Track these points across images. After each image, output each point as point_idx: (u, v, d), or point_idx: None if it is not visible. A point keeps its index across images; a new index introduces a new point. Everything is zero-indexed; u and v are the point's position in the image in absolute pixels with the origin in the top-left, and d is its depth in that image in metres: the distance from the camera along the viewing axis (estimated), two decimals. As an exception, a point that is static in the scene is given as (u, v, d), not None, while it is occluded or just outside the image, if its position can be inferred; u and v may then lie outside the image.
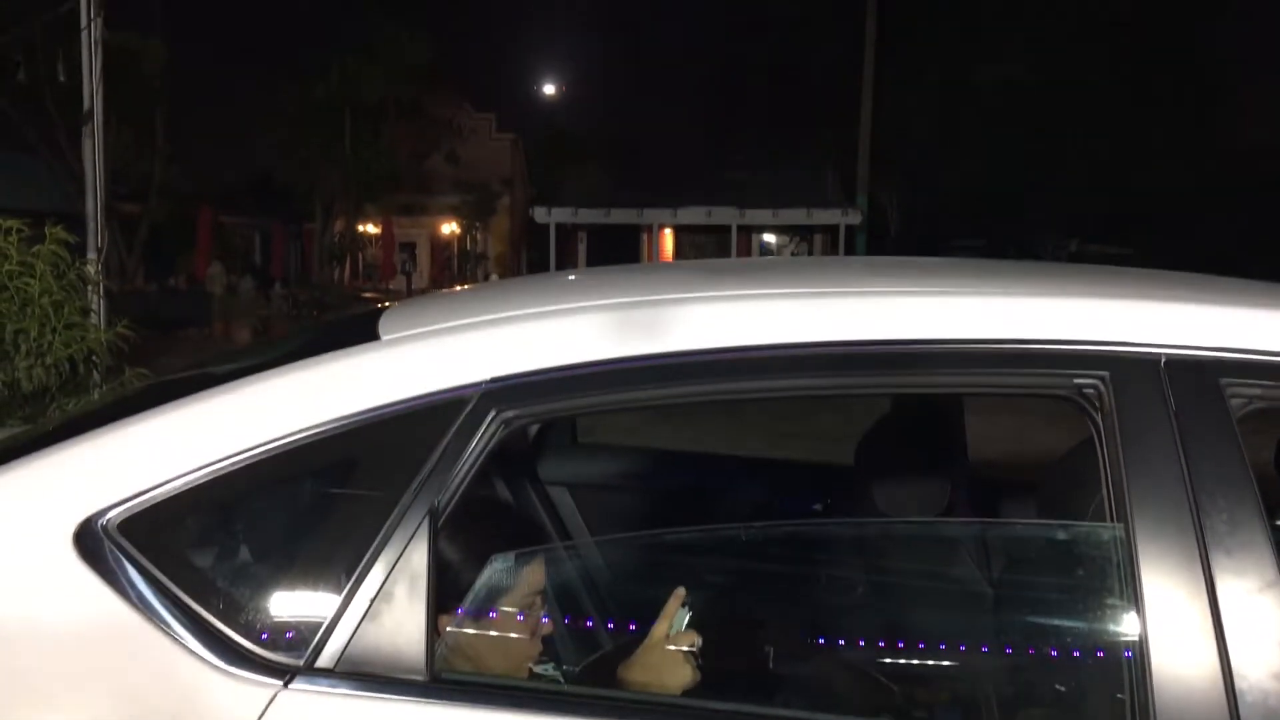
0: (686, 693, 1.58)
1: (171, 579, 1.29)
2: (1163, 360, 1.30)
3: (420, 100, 28.31)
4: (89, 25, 7.44)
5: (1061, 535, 1.58)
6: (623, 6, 70.15)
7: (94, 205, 7.40)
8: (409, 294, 26.76)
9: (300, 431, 1.35)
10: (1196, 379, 1.29)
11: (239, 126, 29.01)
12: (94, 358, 4.71)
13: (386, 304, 1.87)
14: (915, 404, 2.46)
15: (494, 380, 1.36)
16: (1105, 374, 1.30)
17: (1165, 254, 21.52)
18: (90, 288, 5.37)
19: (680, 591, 1.63)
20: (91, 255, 6.98)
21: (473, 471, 1.32)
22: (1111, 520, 1.27)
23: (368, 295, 24.97)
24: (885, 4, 25.60)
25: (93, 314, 5.29)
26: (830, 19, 29.28)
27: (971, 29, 28.19)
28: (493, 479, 2.34)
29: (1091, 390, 1.30)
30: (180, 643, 1.26)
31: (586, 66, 67.84)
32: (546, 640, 1.71)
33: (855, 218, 25.25)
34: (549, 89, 42.67)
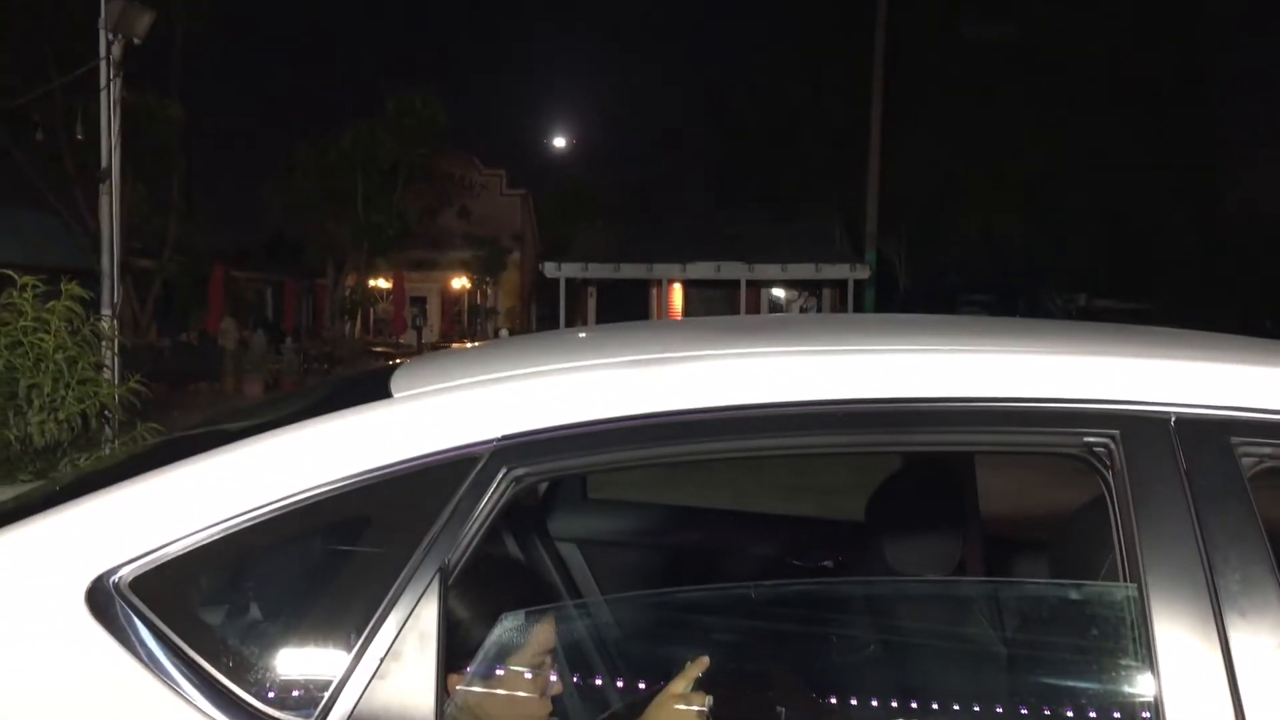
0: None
1: (182, 637, 1.29)
2: (1173, 419, 1.30)
3: (432, 159, 28.65)
4: (108, 85, 7.58)
5: (1075, 595, 1.57)
6: (632, 65, 71.16)
7: (109, 262, 7.49)
8: (419, 348, 26.87)
9: (311, 489, 1.35)
10: (1207, 438, 1.28)
11: (253, 184, 29.37)
12: (106, 413, 4.73)
13: (399, 360, 1.88)
14: (926, 459, 2.46)
15: (505, 438, 1.36)
16: (1115, 433, 1.30)
17: (1175, 310, 21.63)
18: (104, 343, 5.40)
19: (704, 660, 1.60)
20: (106, 311, 7.05)
21: (483, 529, 1.33)
22: (1124, 580, 1.27)
23: (378, 349, 25.07)
24: (891, 62, 25.97)
25: (106, 369, 5.32)
26: (838, 76, 29.65)
27: (980, 86, 28.49)
28: (503, 536, 2.33)
29: (1102, 449, 1.30)
30: (190, 701, 1.25)
31: (596, 123, 68.69)
32: (556, 700, 1.69)
33: (864, 272, 25.35)
34: (559, 145, 43.16)
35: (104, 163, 7.76)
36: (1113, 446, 1.29)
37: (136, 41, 8.29)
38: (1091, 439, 1.31)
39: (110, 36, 8.21)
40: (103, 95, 7.83)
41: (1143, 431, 1.29)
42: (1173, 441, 1.28)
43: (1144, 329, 1.85)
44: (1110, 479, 1.29)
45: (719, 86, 38.54)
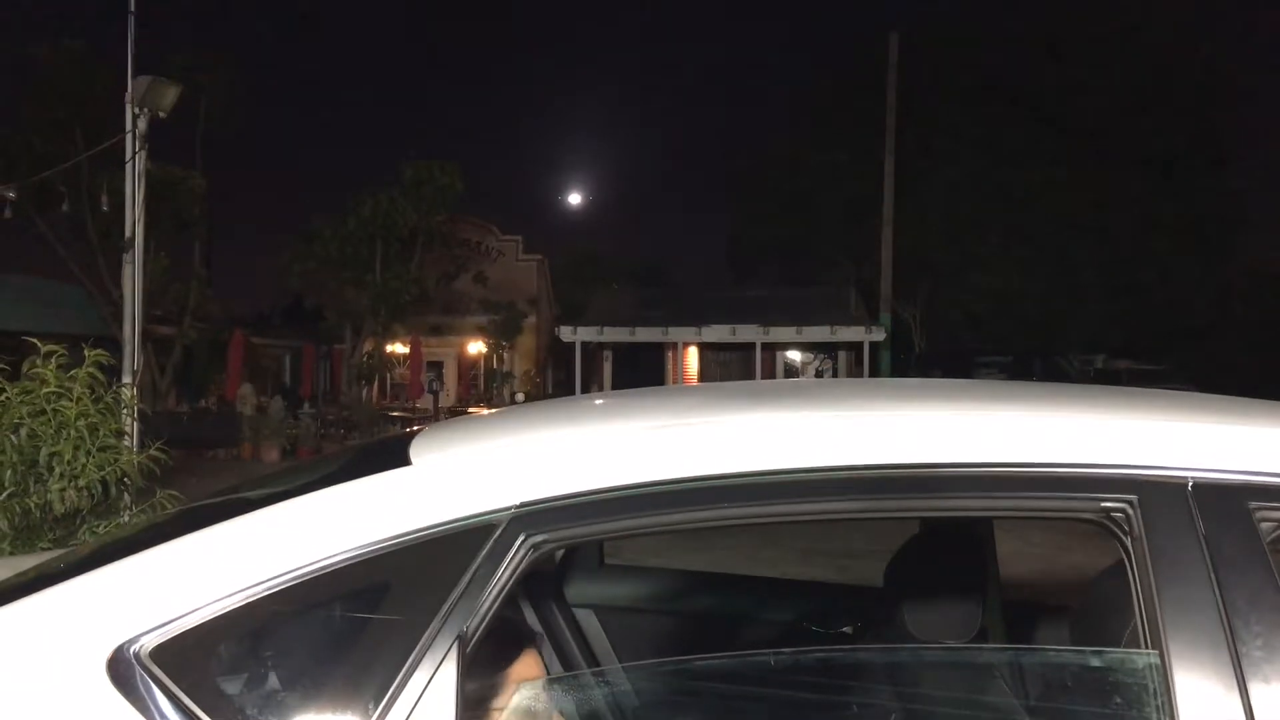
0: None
1: (201, 707, 1.29)
2: (1190, 484, 1.30)
3: (450, 226, 28.98)
4: (133, 158, 7.74)
5: (1097, 662, 1.55)
6: (648, 133, 72.12)
7: (131, 329, 7.58)
8: (436, 412, 26.90)
9: (330, 557, 1.36)
10: (1225, 503, 1.28)
11: (273, 251, 29.77)
12: (126, 480, 4.75)
13: (418, 427, 1.89)
14: (945, 523, 2.44)
15: (522, 505, 1.37)
16: (1133, 497, 1.30)
17: (1192, 371, 21.50)
18: (125, 410, 5.45)
19: None
20: (127, 378, 7.11)
21: (501, 597, 1.33)
22: (1146, 646, 1.26)
23: (395, 414, 25.11)
24: (904, 126, 26.28)
25: (126, 436, 5.36)
26: (851, 141, 29.98)
27: (993, 148, 28.75)
28: (520, 602, 2.32)
29: (1120, 514, 1.30)
30: (208, 772, 1.25)
31: (612, 190, 69.49)
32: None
33: (879, 335, 25.37)
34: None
35: (128, 233, 7.90)
36: (1131, 511, 1.29)
37: (162, 115, 8.48)
38: (1109, 504, 1.31)
39: (136, 111, 8.41)
40: (128, 167, 8.00)
41: (1160, 496, 1.29)
42: (1191, 506, 1.28)
43: (1160, 392, 1.85)
44: (1129, 544, 1.29)
45: (734, 153, 39.01)
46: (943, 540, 2.44)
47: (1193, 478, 1.30)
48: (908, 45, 26.71)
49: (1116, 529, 1.31)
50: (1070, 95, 28.97)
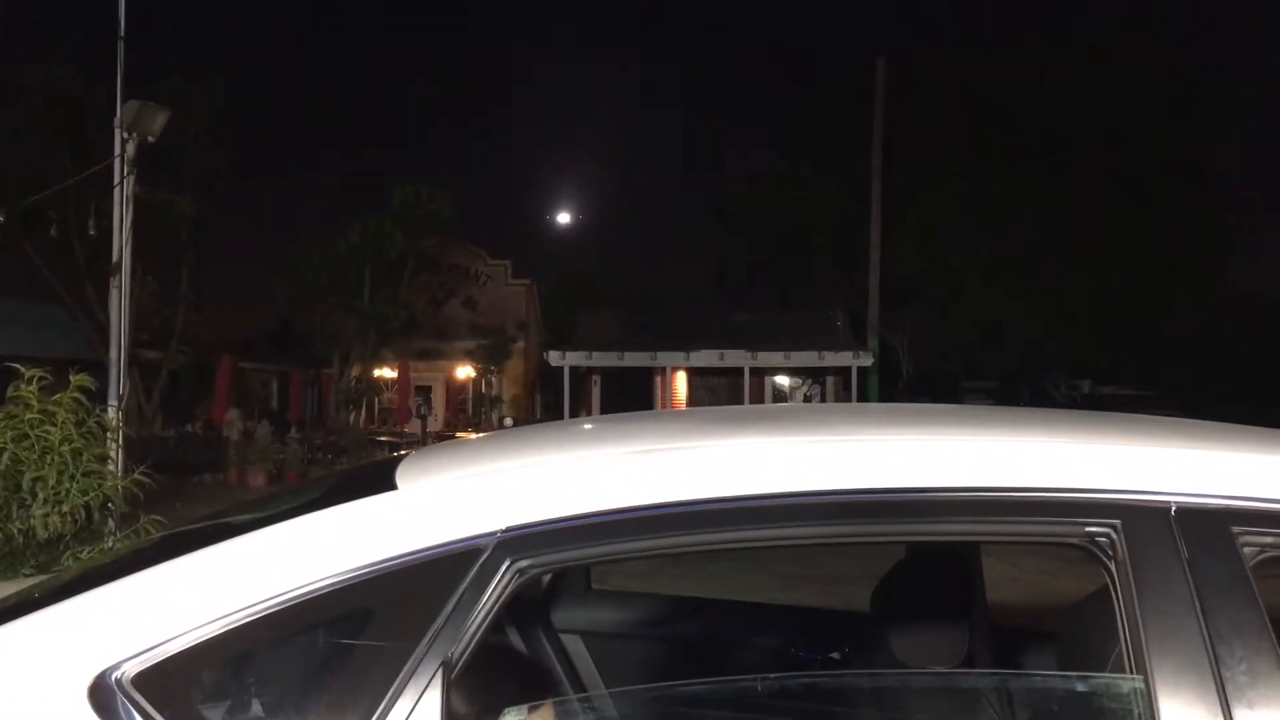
0: None
1: (182, 734, 1.28)
2: (1173, 509, 1.30)
3: (439, 251, 29.01)
4: (121, 182, 7.73)
5: (1082, 687, 1.55)
6: (637, 158, 72.48)
7: (117, 353, 7.55)
8: (424, 437, 26.80)
9: (315, 582, 1.35)
10: (1208, 528, 1.29)
11: (261, 275, 29.73)
12: (110, 505, 4.72)
13: (404, 452, 1.89)
14: (932, 548, 2.45)
15: (508, 530, 1.37)
16: (1117, 522, 1.30)
17: (1179, 397, 21.61)
18: (109, 435, 5.42)
19: None
20: (112, 402, 7.08)
21: (486, 622, 1.32)
22: (1131, 671, 1.26)
23: (383, 439, 25.00)
24: (891, 152, 26.46)
25: (110, 461, 5.33)
26: (839, 167, 30.17)
27: (979, 175, 28.96)
28: (506, 628, 2.31)
29: (1104, 539, 1.31)
30: (189, 800, 1.24)
31: (601, 214, 69.69)
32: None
33: (867, 360, 25.43)
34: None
35: (115, 257, 7.88)
36: (1114, 536, 1.30)
37: (151, 140, 8.48)
38: (1093, 529, 1.31)
39: (125, 135, 8.41)
40: (116, 191, 7.99)
41: (1144, 521, 1.30)
42: (1174, 531, 1.29)
43: (1144, 418, 1.86)
44: (1113, 569, 1.29)
45: (722, 179, 39.26)
46: (929, 565, 2.44)
47: (1176, 502, 1.31)
48: (895, 71, 26.93)
49: (1101, 554, 1.31)
50: (1055, 121, 29.23)
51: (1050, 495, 1.34)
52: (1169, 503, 1.31)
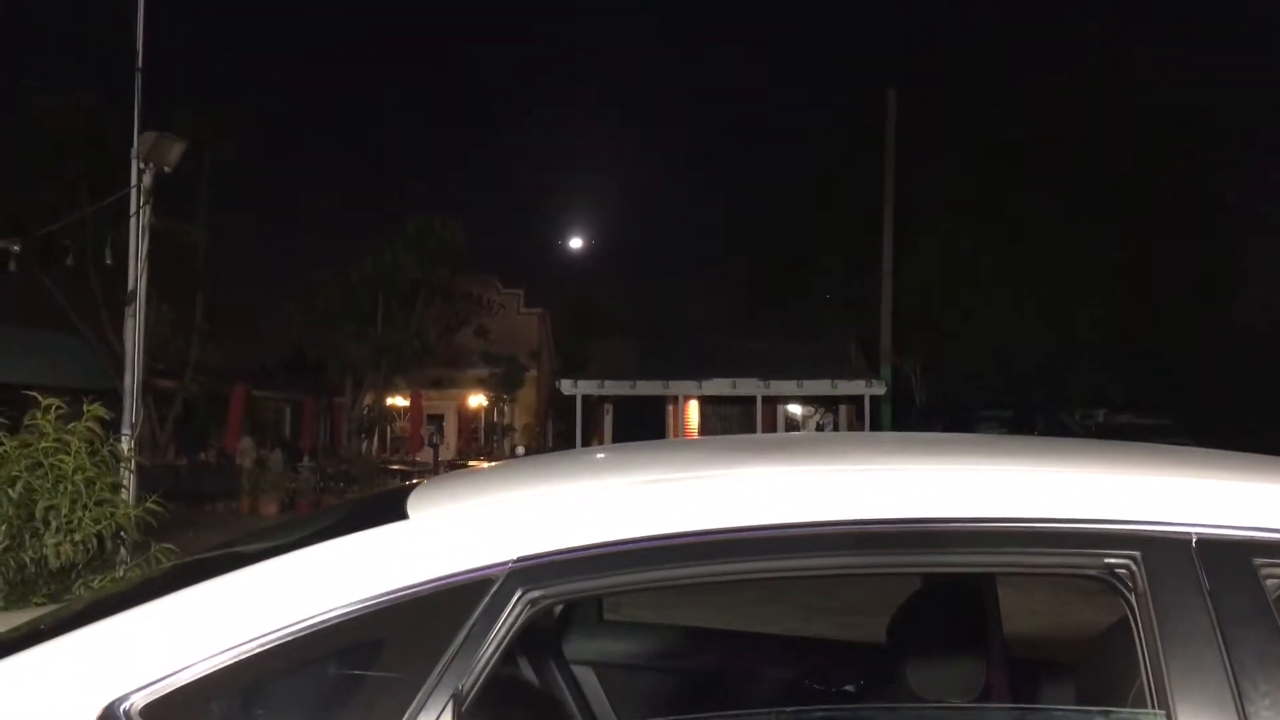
0: None
1: (190, 767, 1.27)
2: (1194, 540, 1.28)
3: (451, 280, 29.13)
4: (138, 212, 7.80)
5: None
6: (649, 187, 72.82)
7: (132, 382, 7.58)
8: (436, 465, 26.81)
9: (325, 613, 1.34)
10: (1230, 559, 1.27)
11: (274, 305, 29.89)
12: (122, 534, 4.72)
13: (416, 481, 1.88)
14: (948, 579, 2.42)
15: (520, 560, 1.35)
16: (1137, 554, 1.28)
17: (1194, 425, 21.46)
18: (122, 463, 5.43)
19: None
20: (126, 431, 7.10)
21: (498, 654, 1.31)
22: (1152, 706, 1.24)
23: (394, 467, 25.01)
24: (903, 181, 26.53)
25: (123, 489, 5.34)
26: (851, 196, 30.23)
27: (992, 203, 28.97)
28: (516, 659, 2.29)
29: (1124, 570, 1.29)
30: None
31: (614, 243, 69.97)
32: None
33: (880, 388, 25.37)
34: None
35: (130, 286, 7.94)
36: (1134, 568, 1.28)
37: (167, 170, 8.56)
38: (1113, 560, 1.29)
39: (142, 166, 8.49)
40: (132, 221, 8.06)
41: (1164, 553, 1.28)
42: (1195, 563, 1.27)
43: (1163, 447, 1.84)
44: (1134, 601, 1.27)
45: (735, 207, 39.42)
46: (945, 596, 2.42)
47: (1196, 534, 1.29)
48: (907, 102, 27.04)
49: (1121, 586, 1.29)
50: (1066, 151, 29.26)
51: (1069, 526, 1.32)
52: (1189, 534, 1.29)
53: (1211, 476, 1.41)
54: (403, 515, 1.49)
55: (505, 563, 1.35)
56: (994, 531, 1.34)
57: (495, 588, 1.33)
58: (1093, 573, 1.32)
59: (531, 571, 1.35)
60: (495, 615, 1.32)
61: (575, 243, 44.55)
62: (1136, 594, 1.27)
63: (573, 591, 1.45)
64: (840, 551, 1.37)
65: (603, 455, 2.13)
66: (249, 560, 1.49)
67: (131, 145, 8.72)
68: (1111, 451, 1.77)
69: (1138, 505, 1.33)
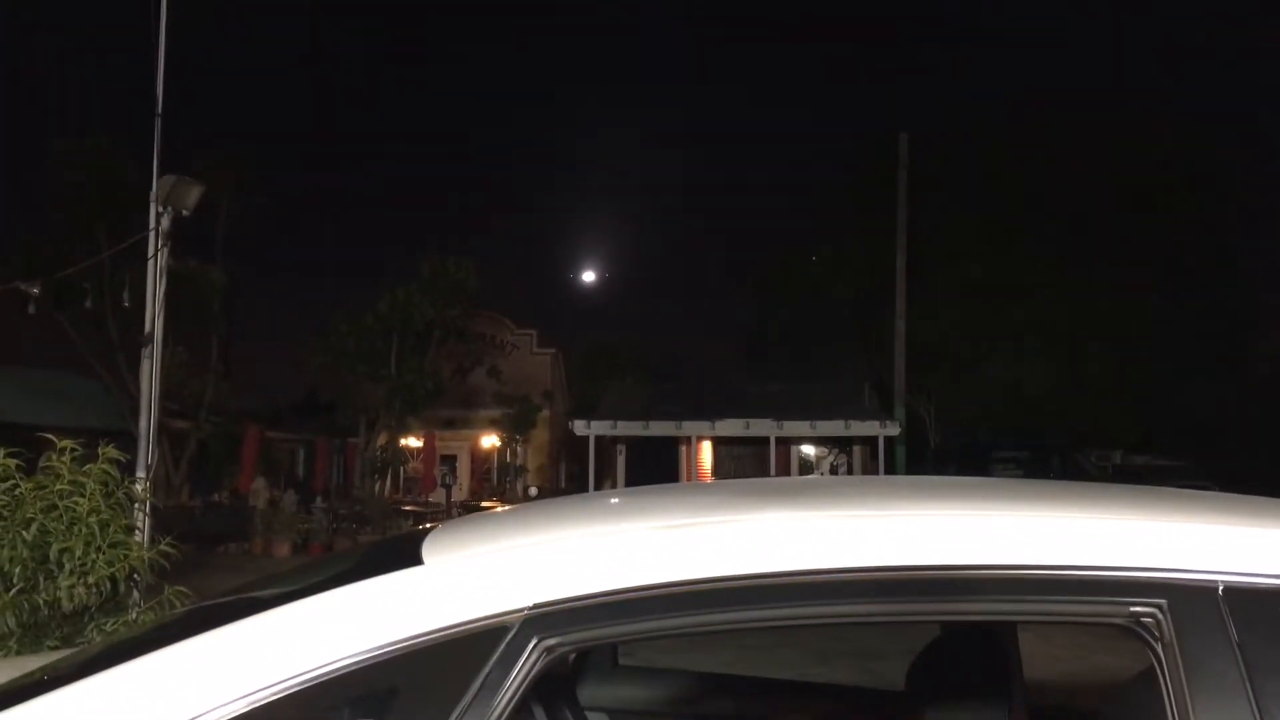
0: None
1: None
2: (1220, 588, 1.26)
3: (465, 320, 29.24)
4: (156, 255, 7.86)
5: None
6: (661, 228, 73.18)
7: (147, 423, 7.60)
8: (449, 506, 26.75)
9: (339, 660, 1.33)
10: (1258, 608, 1.25)
11: (289, 346, 30.05)
12: (135, 576, 4.71)
13: (430, 525, 1.87)
14: (968, 623, 2.39)
15: (536, 606, 1.34)
16: (1163, 602, 1.26)
17: (1212, 467, 21.25)
18: (137, 505, 5.43)
19: None
20: (140, 473, 7.11)
21: (513, 703, 1.29)
22: None
23: (407, 508, 24.98)
24: (916, 221, 26.58)
25: (137, 531, 5.33)
26: (864, 236, 30.31)
27: (1006, 243, 28.98)
28: (531, 706, 2.27)
29: (1150, 619, 1.26)
30: None
31: (626, 283, 70.20)
32: None
33: (894, 429, 25.26)
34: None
35: (147, 328, 7.98)
36: (1160, 617, 1.26)
37: (185, 213, 8.65)
38: (1139, 609, 1.27)
39: (160, 209, 8.58)
40: (150, 264, 8.13)
41: (1190, 601, 1.26)
42: (1222, 611, 1.25)
43: (1186, 492, 1.82)
44: (1160, 651, 1.25)
45: (747, 248, 39.53)
46: (966, 642, 2.38)
47: (1223, 582, 1.27)
48: (918, 141, 27.16)
49: (1146, 635, 1.27)
50: (1077, 190, 29.31)
51: (1094, 574, 1.30)
52: (1216, 582, 1.27)
53: (1238, 523, 1.39)
54: (418, 560, 1.48)
55: (521, 609, 1.34)
56: (1017, 579, 1.32)
57: (510, 635, 1.32)
58: (1119, 621, 1.30)
59: (547, 618, 1.33)
60: (510, 663, 1.30)
61: (588, 281, 44.74)
62: (1163, 643, 1.25)
63: (589, 639, 1.44)
64: (861, 599, 1.35)
65: (618, 500, 2.12)
66: (262, 606, 1.48)
67: (150, 188, 8.82)
68: (1134, 496, 1.75)
69: (1163, 552, 1.31)
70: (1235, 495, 1.70)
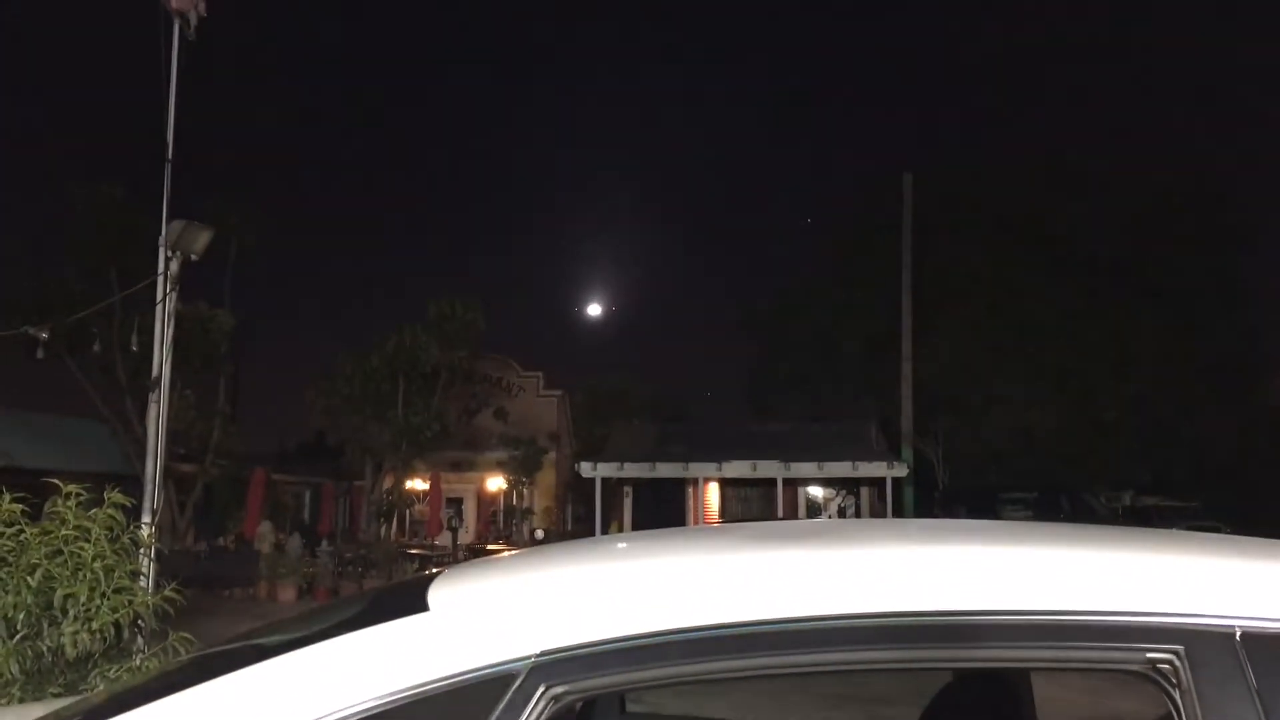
0: None
1: None
2: (1238, 633, 1.24)
3: (471, 362, 29.29)
4: (164, 299, 7.90)
5: None
6: (669, 272, 73.50)
7: (153, 468, 7.59)
8: (454, 549, 26.62)
9: (344, 710, 1.31)
10: (1276, 653, 1.23)
11: (295, 385, 30.13)
12: (140, 622, 4.68)
13: (436, 570, 1.86)
14: (981, 670, 2.36)
15: (543, 654, 1.33)
16: (1179, 648, 1.24)
17: (1222, 508, 21.10)
18: (142, 550, 5.41)
19: None
20: (146, 518, 7.09)
21: None
22: None
23: (413, 551, 24.86)
24: (922, 263, 26.65)
25: (142, 576, 5.31)
26: (870, 279, 30.36)
27: (1012, 285, 29.01)
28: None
29: (1166, 666, 1.24)
30: None
31: (634, 324, 70.40)
32: None
33: (901, 470, 25.16)
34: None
35: (155, 372, 8.00)
36: (1177, 663, 1.23)
37: (194, 258, 8.70)
38: (1155, 655, 1.25)
39: (169, 254, 8.63)
40: (158, 308, 8.16)
41: (1207, 647, 1.24)
42: (1240, 657, 1.22)
43: (1199, 535, 1.80)
44: (1178, 699, 1.23)
45: (754, 289, 39.62)
46: (978, 687, 2.35)
47: (1241, 627, 1.25)
48: (923, 182, 27.29)
49: (1164, 682, 1.25)
50: (1083, 231, 29.39)
51: (1108, 619, 1.29)
52: (1233, 627, 1.25)
53: (1253, 566, 1.37)
54: (423, 607, 1.47)
55: (528, 657, 1.32)
56: (1031, 625, 1.30)
57: (518, 683, 1.30)
58: (1134, 668, 1.27)
59: (555, 666, 1.32)
60: (518, 712, 1.28)
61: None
62: (1180, 690, 1.23)
63: (597, 686, 1.42)
64: (873, 645, 1.33)
65: (625, 544, 2.10)
66: (266, 654, 1.46)
67: (160, 233, 8.88)
68: (1147, 540, 1.73)
69: (1179, 597, 1.29)
70: (1250, 538, 1.68)
